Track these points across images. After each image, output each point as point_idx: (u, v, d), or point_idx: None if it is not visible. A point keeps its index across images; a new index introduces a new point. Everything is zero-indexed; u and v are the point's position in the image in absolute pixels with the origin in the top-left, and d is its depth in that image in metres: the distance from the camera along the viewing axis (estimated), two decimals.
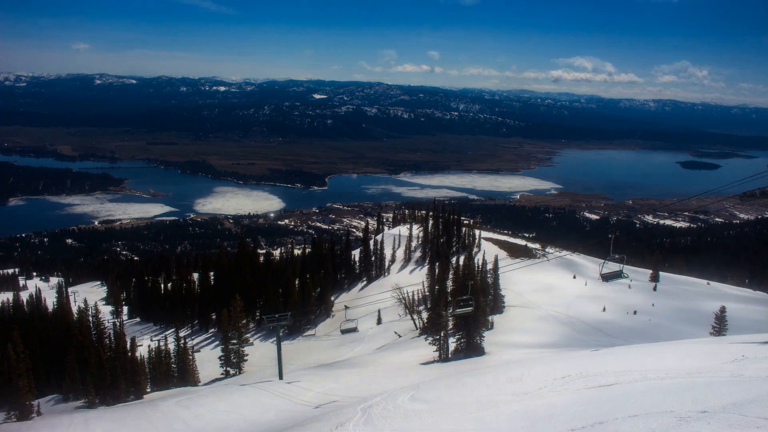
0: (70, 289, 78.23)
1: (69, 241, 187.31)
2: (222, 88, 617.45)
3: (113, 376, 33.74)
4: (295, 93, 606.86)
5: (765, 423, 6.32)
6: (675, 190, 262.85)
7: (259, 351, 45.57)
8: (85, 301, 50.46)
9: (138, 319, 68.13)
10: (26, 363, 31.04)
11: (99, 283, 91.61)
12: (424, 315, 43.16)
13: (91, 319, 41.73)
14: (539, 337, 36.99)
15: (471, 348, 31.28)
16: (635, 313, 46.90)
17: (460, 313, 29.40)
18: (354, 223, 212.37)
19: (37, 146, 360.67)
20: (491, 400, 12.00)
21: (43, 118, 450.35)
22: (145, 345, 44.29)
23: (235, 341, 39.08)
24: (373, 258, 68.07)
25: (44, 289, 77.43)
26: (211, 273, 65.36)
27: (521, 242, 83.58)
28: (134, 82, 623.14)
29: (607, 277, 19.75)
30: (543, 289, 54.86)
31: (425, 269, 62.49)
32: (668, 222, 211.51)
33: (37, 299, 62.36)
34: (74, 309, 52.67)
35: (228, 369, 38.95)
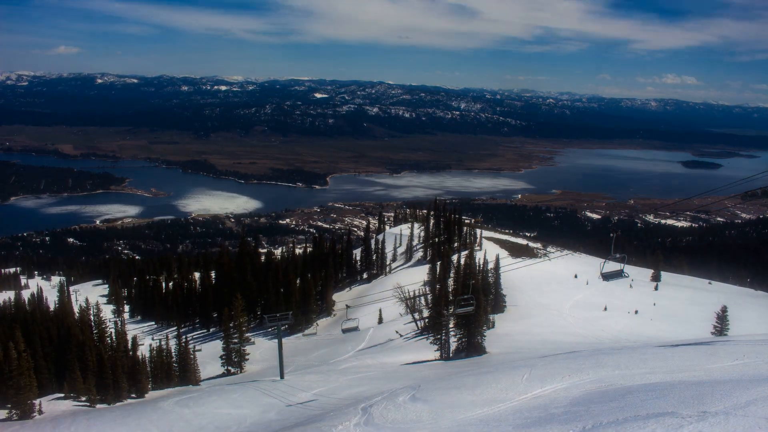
0: (71, 288, 78.29)
1: (70, 240, 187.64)
2: (223, 88, 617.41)
3: (114, 375, 33.78)
4: (297, 92, 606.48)
5: (766, 423, 6.30)
6: (676, 189, 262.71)
7: (260, 350, 45.63)
8: (87, 300, 50.57)
9: (139, 318, 68.22)
10: (28, 362, 31.07)
11: (100, 282, 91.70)
12: (426, 314, 43.15)
13: (92, 318, 41.78)
14: (540, 337, 36.96)
15: (472, 347, 31.25)
16: (636, 312, 46.86)
17: (461, 313, 29.38)
18: (355, 222, 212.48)
19: (39, 145, 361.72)
20: (492, 400, 11.99)
21: (44, 117, 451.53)
22: (146, 344, 44.33)
23: (236, 340, 39.09)
24: (374, 257, 68.10)
25: (46, 288, 77.43)
26: (213, 272, 65.44)
27: (522, 241, 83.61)
28: (136, 81, 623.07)
29: (607, 276, 19.72)
30: (544, 288, 54.82)
31: (426, 268, 62.46)
32: (670, 222, 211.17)
33: (38, 298, 62.47)
34: (76, 308, 52.74)
35: (229, 368, 38.97)
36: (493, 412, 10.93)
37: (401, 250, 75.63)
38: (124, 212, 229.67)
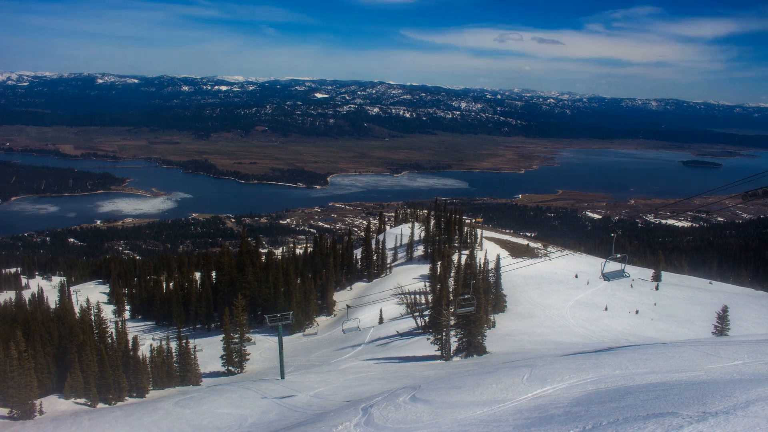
0: (72, 288, 78.33)
1: (71, 240, 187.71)
2: (224, 88, 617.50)
3: (115, 375, 33.82)
4: (297, 92, 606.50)
5: (767, 423, 6.30)
6: (677, 189, 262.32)
7: (260, 350, 45.66)
8: (87, 300, 50.62)
9: (140, 318, 68.23)
10: (28, 362, 31.12)
11: (101, 282, 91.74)
12: (426, 314, 43.16)
13: (93, 318, 41.76)
14: (541, 337, 36.97)
15: (473, 347, 31.25)
16: (637, 312, 46.87)
17: (462, 312, 29.39)
18: (356, 222, 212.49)
19: (40, 146, 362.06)
20: (492, 400, 11.99)
21: (45, 117, 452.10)
22: (147, 344, 44.36)
23: (236, 340, 39.10)
24: (374, 257, 68.07)
25: (46, 288, 77.51)
26: (213, 272, 65.41)
27: (523, 241, 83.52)
28: (136, 81, 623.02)
29: (608, 276, 19.77)
30: (545, 288, 54.82)
31: (427, 268, 62.49)
32: (670, 221, 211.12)
33: (39, 298, 62.56)
34: (76, 308, 52.73)
35: (230, 368, 38.98)
36: (493, 412, 10.93)
37: (402, 249, 75.65)
38: (44, 209, 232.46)
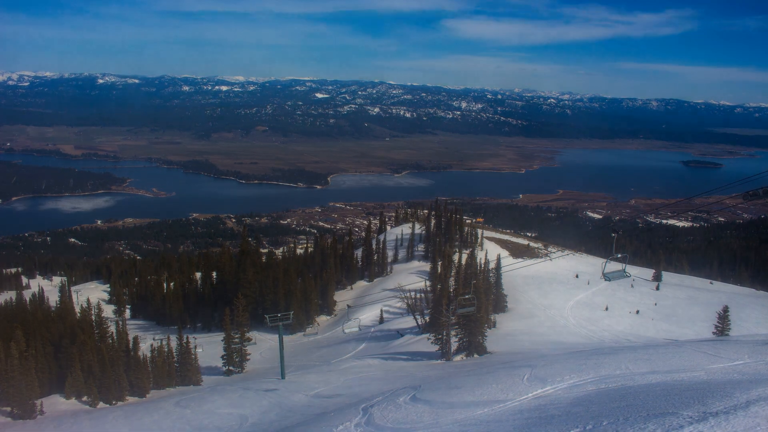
0: (72, 288, 78.21)
1: (71, 240, 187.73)
2: (224, 88, 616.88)
3: (116, 375, 33.83)
4: (298, 92, 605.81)
5: (767, 423, 6.30)
6: (678, 189, 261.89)
7: (261, 350, 45.68)
8: (88, 300, 50.65)
9: (140, 318, 68.23)
10: (29, 362, 31.15)
11: (101, 281, 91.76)
12: (427, 313, 43.16)
13: (93, 318, 41.79)
14: (541, 337, 36.97)
15: (473, 347, 31.26)
16: (638, 312, 46.86)
17: (463, 312, 29.40)
18: (357, 222, 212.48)
19: (40, 146, 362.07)
20: (493, 400, 11.99)
21: (46, 117, 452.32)
22: (147, 344, 44.36)
23: (237, 340, 39.09)
24: (375, 257, 68.06)
25: (47, 288, 77.45)
26: (214, 272, 65.44)
27: (524, 241, 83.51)
28: (137, 81, 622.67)
29: (609, 276, 19.82)
30: (545, 288, 54.81)
31: (427, 268, 62.48)
32: (671, 221, 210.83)
33: (40, 298, 62.56)
34: (77, 308, 52.74)
35: (230, 368, 38.96)
36: (493, 412, 10.93)
37: (402, 249, 75.63)
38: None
